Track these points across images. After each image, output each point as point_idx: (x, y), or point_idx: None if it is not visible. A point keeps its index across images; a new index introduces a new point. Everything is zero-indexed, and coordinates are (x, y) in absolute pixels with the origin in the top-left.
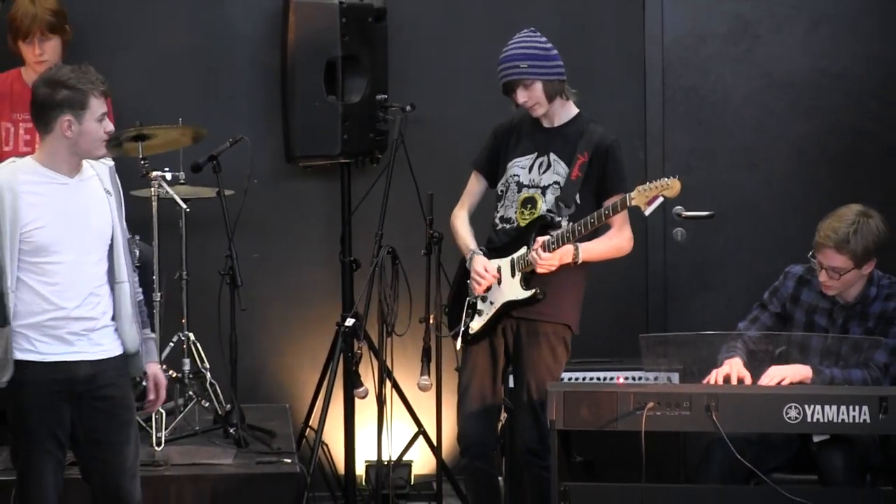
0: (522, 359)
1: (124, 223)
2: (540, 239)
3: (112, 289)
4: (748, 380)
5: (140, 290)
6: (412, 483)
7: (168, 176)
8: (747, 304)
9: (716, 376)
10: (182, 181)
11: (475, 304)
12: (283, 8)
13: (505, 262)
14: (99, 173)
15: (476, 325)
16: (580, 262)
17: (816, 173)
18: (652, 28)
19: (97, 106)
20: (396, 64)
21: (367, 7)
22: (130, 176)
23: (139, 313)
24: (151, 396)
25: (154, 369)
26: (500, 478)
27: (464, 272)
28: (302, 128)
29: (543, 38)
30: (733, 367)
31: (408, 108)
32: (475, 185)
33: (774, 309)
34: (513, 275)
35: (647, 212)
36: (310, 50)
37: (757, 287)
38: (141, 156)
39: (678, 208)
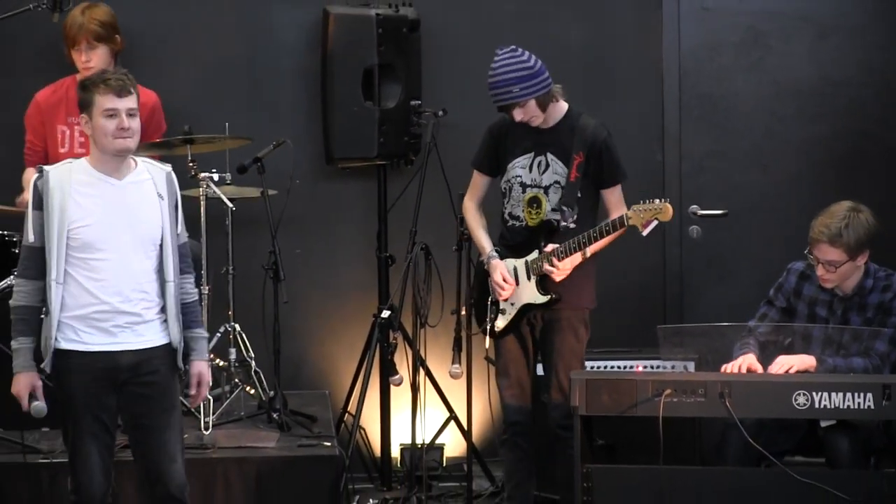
0: (548, 344)
1: (181, 227)
2: (550, 246)
3: (162, 287)
4: (759, 372)
5: (195, 290)
6: (444, 465)
7: (215, 177)
8: (758, 297)
9: (730, 369)
10: (228, 182)
11: (498, 302)
12: (323, 20)
13: (520, 264)
14: (154, 177)
15: (501, 323)
16: (589, 254)
17: (822, 174)
18: (669, 39)
19: (103, 102)
20: (429, 71)
21: (401, 18)
22: (180, 176)
23: (192, 313)
24: (193, 392)
25: (199, 367)
26: None
27: (483, 270)
28: (341, 132)
29: (525, 56)
30: (745, 361)
31: (440, 112)
32: (479, 180)
33: (780, 304)
34: (528, 278)
35: (645, 233)
36: (348, 59)
37: (767, 280)
38: (190, 158)
39: (693, 207)
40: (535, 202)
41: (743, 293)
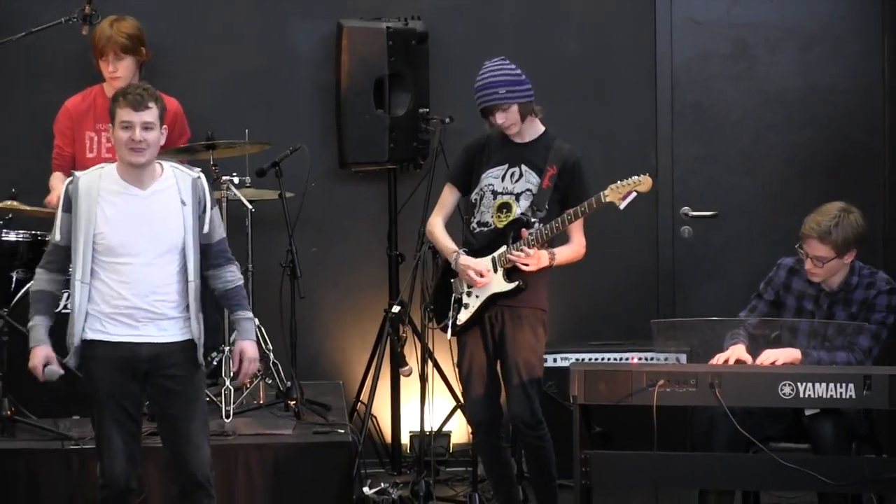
0: (508, 342)
1: (217, 226)
2: (524, 231)
3: (185, 286)
4: (748, 362)
5: (237, 278)
6: (451, 451)
7: (236, 180)
8: (746, 293)
9: (719, 360)
10: (248, 184)
11: (460, 299)
12: (338, 33)
13: (486, 260)
14: (179, 184)
15: (463, 317)
16: (555, 264)
17: (808, 177)
18: (662, 50)
19: (121, 114)
20: (436, 81)
21: (411, 31)
22: None
23: (235, 297)
24: (235, 368)
25: (241, 345)
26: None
27: (445, 271)
28: (354, 138)
29: (513, 66)
30: (735, 352)
31: (447, 120)
32: (449, 196)
33: (769, 297)
34: (495, 270)
35: (622, 206)
36: (361, 69)
37: (755, 278)
38: (212, 162)
39: (685, 209)
40: (504, 207)
41: (732, 290)
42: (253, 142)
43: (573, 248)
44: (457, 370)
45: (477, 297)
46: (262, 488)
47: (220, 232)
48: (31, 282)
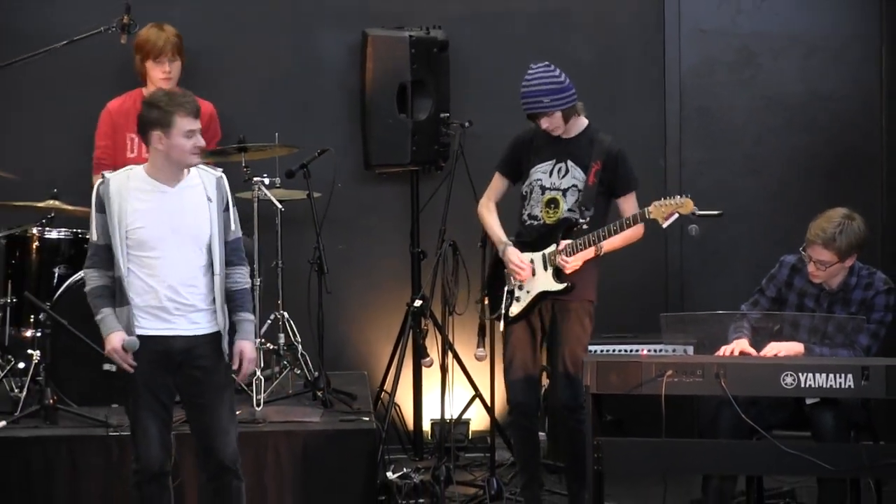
0: (557, 332)
1: (233, 224)
2: (563, 243)
3: (211, 279)
4: (752, 355)
5: (245, 280)
6: (470, 438)
7: (266, 181)
8: (750, 289)
9: (724, 352)
10: (278, 185)
11: (513, 291)
12: (363, 41)
13: (537, 257)
14: (205, 182)
15: (515, 310)
16: (603, 253)
17: (808, 179)
18: (670, 58)
19: (184, 124)
20: (457, 87)
21: (432, 40)
22: (234, 180)
23: (239, 298)
24: (235, 367)
25: (240, 346)
26: (541, 433)
27: (497, 260)
28: (378, 141)
29: (557, 72)
30: (738, 346)
31: (466, 123)
32: (498, 183)
33: (771, 293)
34: (545, 268)
35: (665, 225)
36: (384, 76)
37: (758, 274)
38: (244, 164)
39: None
40: (552, 203)
41: (736, 285)
42: (283, 144)
43: (624, 234)
44: (503, 355)
45: (528, 292)
46: (291, 473)
47: (237, 231)
48: (85, 283)
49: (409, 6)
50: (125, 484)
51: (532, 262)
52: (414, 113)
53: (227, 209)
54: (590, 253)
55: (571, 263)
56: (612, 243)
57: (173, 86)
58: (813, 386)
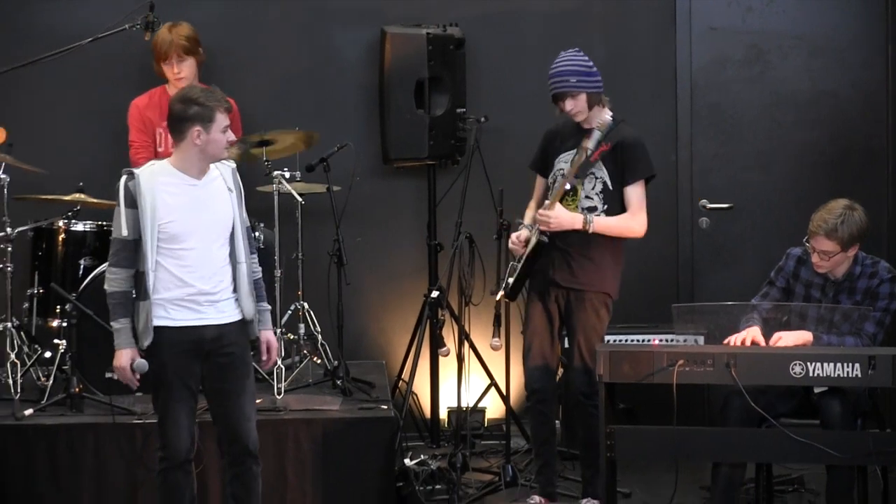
0: (573, 321)
1: (244, 214)
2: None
3: (234, 268)
4: (762, 344)
5: (259, 269)
6: (486, 425)
7: (287, 175)
8: (759, 280)
9: (735, 340)
10: (298, 179)
11: (515, 266)
12: (381, 38)
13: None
14: (223, 174)
15: (511, 280)
16: (591, 230)
17: (815, 173)
18: (682, 56)
19: (222, 120)
20: (473, 83)
21: (448, 37)
22: (256, 175)
23: (257, 288)
24: (264, 357)
25: (267, 335)
26: (556, 421)
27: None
28: (396, 135)
29: (586, 57)
30: (750, 333)
31: (482, 119)
32: (538, 182)
33: (780, 284)
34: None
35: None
36: (402, 72)
37: (767, 265)
38: (265, 158)
39: (703, 201)
40: (572, 191)
41: (746, 277)
42: (301, 130)
43: (620, 219)
44: (522, 344)
45: (520, 262)
46: (311, 460)
47: (247, 220)
48: (106, 281)
49: (427, 4)
50: (148, 470)
51: (528, 240)
52: (431, 108)
53: (240, 199)
54: (578, 221)
55: (544, 215)
56: (605, 224)
57: (191, 83)
58: (821, 375)
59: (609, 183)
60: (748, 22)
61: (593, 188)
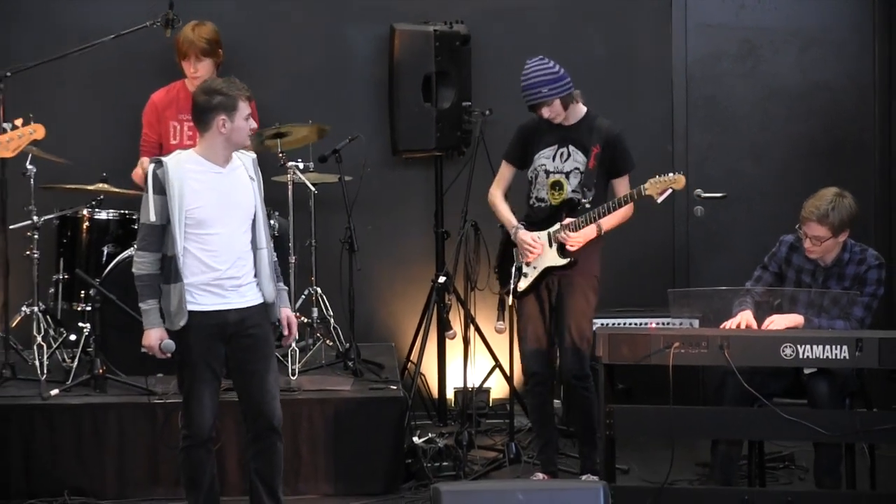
0: (563, 306)
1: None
2: (567, 220)
3: (255, 253)
4: (754, 327)
5: (274, 254)
6: (490, 405)
7: (300, 165)
8: (751, 266)
9: (730, 324)
10: (311, 169)
11: (521, 268)
12: (390, 35)
13: (543, 235)
14: (245, 163)
15: (523, 284)
16: (603, 233)
17: (807, 163)
18: (678, 50)
19: (244, 107)
20: (478, 78)
21: (455, 33)
22: (271, 165)
23: (278, 271)
24: (286, 332)
25: (287, 313)
26: (556, 401)
27: (507, 239)
28: (404, 128)
29: (551, 63)
30: (743, 317)
31: (487, 112)
32: (506, 171)
33: (773, 269)
34: (550, 245)
35: (659, 200)
36: (410, 67)
37: (759, 252)
38: (280, 150)
39: (698, 191)
40: (557, 185)
41: (738, 263)
42: (314, 123)
43: (617, 214)
44: (517, 330)
45: (535, 268)
46: (324, 437)
47: (264, 208)
48: (134, 265)
49: (434, 2)
50: (168, 447)
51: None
52: (438, 102)
53: (261, 188)
54: (592, 232)
55: (574, 239)
56: (609, 221)
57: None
58: (811, 357)
59: (595, 177)
60: (741, 18)
61: (579, 182)
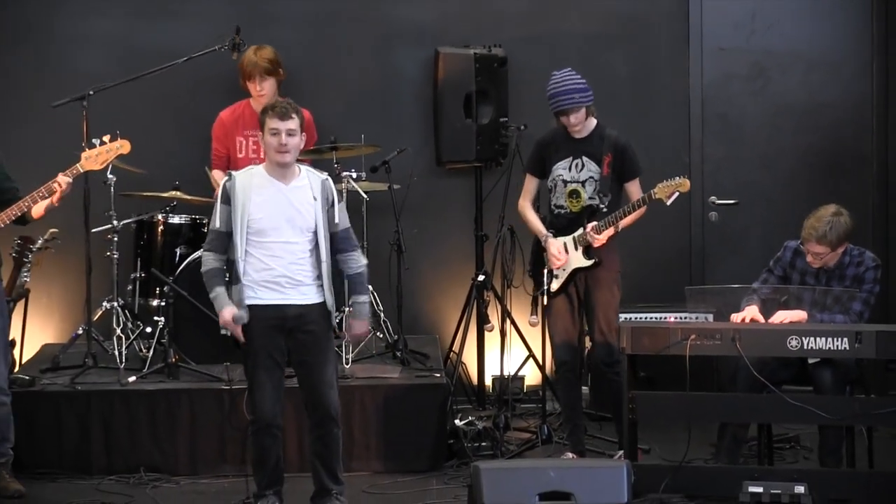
0: (592, 301)
1: (338, 217)
2: (590, 224)
3: (318, 264)
4: (760, 320)
5: (357, 265)
6: (525, 391)
7: (354, 175)
8: (761, 266)
9: (737, 317)
10: (363, 179)
11: (552, 270)
12: (435, 57)
13: (568, 240)
14: (311, 183)
15: (555, 286)
16: (620, 230)
17: (811, 173)
18: (694, 71)
19: (269, 123)
20: (514, 96)
21: (493, 56)
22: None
23: (354, 283)
24: (344, 331)
25: (352, 323)
26: (584, 387)
27: (539, 246)
28: (448, 141)
29: (579, 75)
30: (749, 311)
31: (522, 127)
32: (531, 183)
33: (778, 273)
34: (576, 248)
35: (668, 203)
36: (453, 87)
37: (768, 254)
38: (335, 161)
39: (712, 198)
40: (574, 194)
41: (749, 263)
42: (367, 144)
43: (634, 213)
44: (548, 324)
45: (564, 270)
46: (374, 420)
47: (345, 222)
48: (202, 263)
49: (475, 28)
50: (235, 430)
51: (565, 244)
52: (478, 118)
53: (332, 206)
54: (611, 231)
55: (599, 239)
56: (625, 221)
57: (271, 99)
58: (814, 348)
59: (609, 187)
60: (752, 43)
61: (595, 189)
